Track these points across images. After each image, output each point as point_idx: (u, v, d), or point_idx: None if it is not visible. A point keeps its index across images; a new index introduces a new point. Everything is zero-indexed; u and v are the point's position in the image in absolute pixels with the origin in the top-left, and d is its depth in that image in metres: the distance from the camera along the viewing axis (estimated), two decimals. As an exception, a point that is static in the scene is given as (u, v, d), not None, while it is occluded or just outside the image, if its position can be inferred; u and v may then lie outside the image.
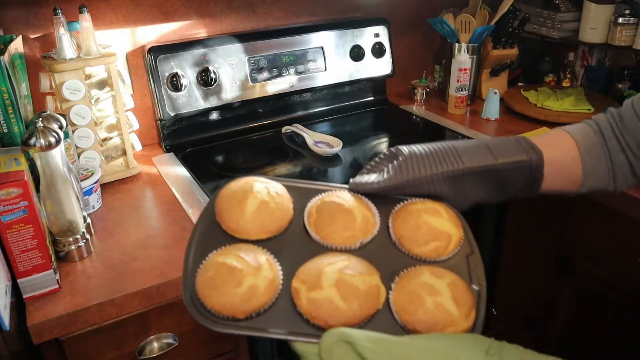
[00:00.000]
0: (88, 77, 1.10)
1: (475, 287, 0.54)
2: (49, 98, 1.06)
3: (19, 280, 0.76)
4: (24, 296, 0.77)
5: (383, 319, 0.50)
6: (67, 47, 1.02)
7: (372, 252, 0.56)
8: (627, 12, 1.39)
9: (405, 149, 0.63)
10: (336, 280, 0.49)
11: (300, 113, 1.49)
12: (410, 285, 0.51)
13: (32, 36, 1.15)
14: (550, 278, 1.37)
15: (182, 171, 1.20)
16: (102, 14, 1.20)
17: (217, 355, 0.97)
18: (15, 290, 0.77)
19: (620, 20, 1.41)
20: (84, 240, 0.88)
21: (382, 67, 1.54)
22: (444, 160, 0.62)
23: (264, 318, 0.50)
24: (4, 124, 0.85)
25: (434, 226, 0.56)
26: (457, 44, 1.52)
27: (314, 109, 1.52)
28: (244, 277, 0.49)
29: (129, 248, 0.91)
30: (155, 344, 0.87)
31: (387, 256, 0.56)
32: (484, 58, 1.58)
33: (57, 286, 0.79)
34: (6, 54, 0.86)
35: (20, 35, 1.08)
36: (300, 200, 0.60)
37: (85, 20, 1.02)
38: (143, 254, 0.89)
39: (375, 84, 1.60)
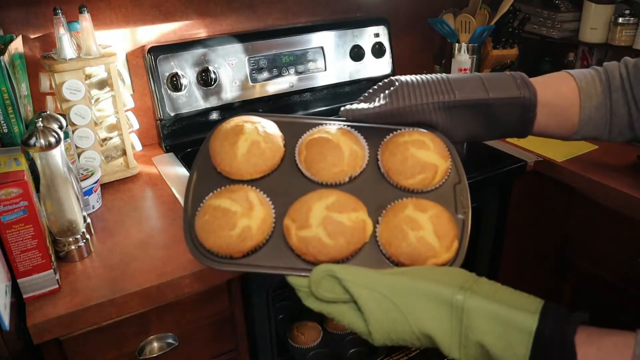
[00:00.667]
0: (88, 77, 1.10)
1: (460, 216, 0.59)
2: (49, 98, 1.06)
3: (19, 280, 0.76)
4: (24, 296, 0.77)
5: (371, 252, 0.54)
6: (67, 47, 1.02)
7: (361, 185, 0.58)
8: (627, 12, 1.39)
9: (400, 78, 0.65)
10: (323, 218, 0.52)
11: (300, 113, 1.49)
12: (395, 219, 0.54)
13: (32, 36, 1.15)
14: (551, 278, 1.37)
15: (182, 171, 1.20)
16: (102, 14, 1.20)
17: (217, 355, 0.97)
18: (15, 290, 0.77)
19: (620, 20, 1.41)
20: (84, 240, 0.88)
21: (382, 67, 1.54)
22: (436, 90, 0.63)
23: (259, 255, 0.54)
24: (4, 124, 0.85)
25: (421, 158, 0.58)
26: (457, 44, 1.52)
27: (314, 109, 1.52)
28: (238, 219, 0.52)
29: (129, 248, 0.91)
30: (155, 344, 0.87)
31: (376, 189, 0.58)
32: (484, 58, 1.58)
33: (57, 286, 0.79)
34: (6, 54, 0.86)
35: (20, 35, 1.08)
36: (292, 135, 0.62)
37: (85, 20, 1.02)
38: (143, 254, 0.89)
39: (375, 84, 1.60)
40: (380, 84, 0.67)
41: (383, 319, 0.49)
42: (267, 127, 0.60)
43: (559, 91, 0.69)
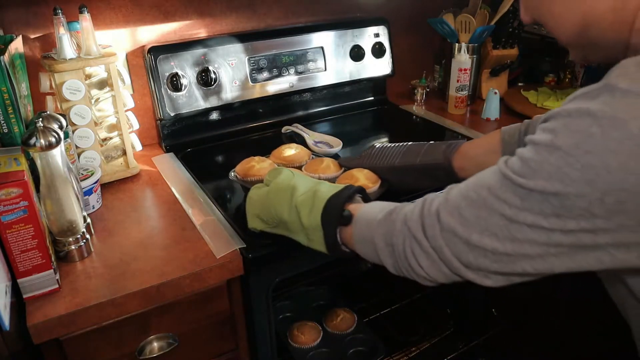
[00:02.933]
0: (88, 77, 1.10)
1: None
2: (49, 98, 1.06)
3: (19, 280, 0.76)
4: (24, 296, 0.77)
5: None
6: (67, 47, 1.02)
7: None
8: (627, 12, 1.39)
9: (375, 145, 1.01)
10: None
11: (300, 113, 1.49)
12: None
13: (32, 36, 1.15)
14: (551, 278, 1.37)
15: (182, 171, 1.20)
16: (102, 14, 1.20)
17: (217, 355, 0.97)
18: (15, 290, 0.77)
19: (620, 20, 1.40)
20: (84, 240, 0.88)
21: (382, 67, 1.54)
22: (387, 158, 0.96)
23: None
24: (4, 124, 0.85)
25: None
26: (457, 44, 1.52)
27: (314, 109, 1.52)
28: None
29: (129, 248, 0.91)
30: (155, 344, 0.87)
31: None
32: (484, 58, 1.58)
33: (57, 286, 0.79)
34: (6, 54, 0.86)
35: (20, 35, 1.07)
36: None
37: (85, 20, 1.03)
38: (143, 254, 0.89)
39: (375, 84, 1.60)
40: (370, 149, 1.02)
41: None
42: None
43: (484, 147, 0.88)
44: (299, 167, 1.07)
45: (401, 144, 0.98)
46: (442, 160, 0.88)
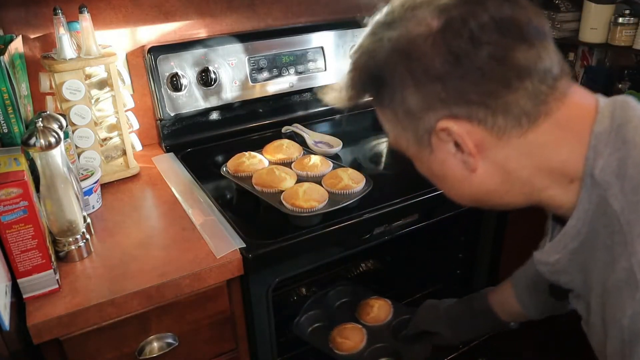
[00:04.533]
0: (88, 77, 1.10)
1: None
2: (49, 98, 1.06)
3: (19, 280, 0.76)
4: (24, 296, 0.77)
5: None
6: (67, 47, 1.02)
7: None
8: (627, 12, 1.39)
9: (424, 303, 1.05)
10: None
11: (300, 113, 1.49)
12: None
13: (32, 36, 1.15)
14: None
15: (182, 171, 1.20)
16: (102, 14, 1.20)
17: (217, 355, 0.97)
18: (15, 290, 0.77)
19: (620, 20, 1.41)
20: (84, 240, 0.88)
21: (382, 67, 1.54)
22: (435, 314, 1.00)
23: None
24: (4, 124, 0.85)
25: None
26: (457, 44, 1.52)
27: (314, 109, 1.52)
28: None
29: (129, 248, 0.91)
30: (155, 344, 0.87)
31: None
32: (484, 58, 1.58)
33: (57, 286, 0.79)
34: (6, 54, 0.86)
35: (20, 35, 1.08)
36: None
37: (85, 20, 1.03)
38: (143, 254, 0.89)
39: (375, 84, 1.60)
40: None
41: None
42: None
43: (505, 297, 0.93)
44: (289, 164, 1.08)
45: (444, 306, 1.01)
46: (486, 305, 0.94)
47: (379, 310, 1.21)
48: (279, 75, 1.39)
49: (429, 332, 1.02)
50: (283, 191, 0.97)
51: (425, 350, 1.06)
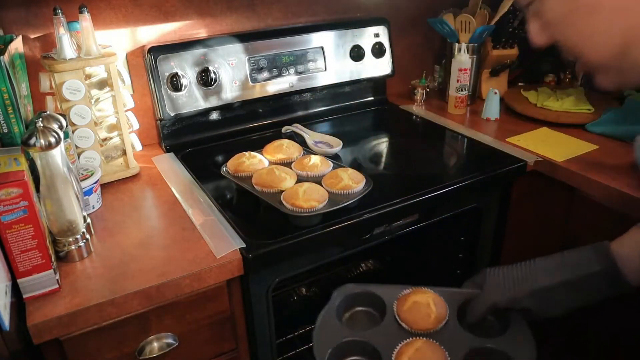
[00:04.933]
0: (88, 77, 1.10)
1: None
2: (49, 98, 1.06)
3: (19, 280, 0.76)
4: (24, 296, 0.77)
5: None
6: (67, 47, 1.02)
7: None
8: (627, 12, 1.39)
9: (488, 272, 0.78)
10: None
11: (300, 113, 1.49)
12: None
13: (32, 36, 1.15)
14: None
15: (182, 171, 1.20)
16: (102, 14, 1.20)
17: (217, 355, 0.97)
18: (15, 290, 0.77)
19: (620, 20, 1.40)
20: (84, 240, 0.88)
21: (382, 67, 1.54)
22: (523, 281, 0.74)
23: None
24: (4, 124, 0.85)
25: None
26: (457, 44, 1.52)
27: (314, 109, 1.52)
28: None
29: (129, 248, 0.91)
30: (155, 344, 0.87)
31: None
32: (484, 58, 1.58)
33: (57, 286, 0.79)
34: (6, 54, 0.86)
35: (20, 35, 1.08)
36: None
37: (85, 20, 1.03)
38: (143, 254, 0.89)
39: (375, 84, 1.60)
40: (479, 275, 0.81)
41: None
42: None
43: (631, 242, 0.73)
44: (289, 164, 1.08)
45: (511, 266, 0.77)
46: (608, 266, 0.70)
47: (436, 306, 0.80)
48: (279, 75, 1.39)
49: (508, 312, 0.76)
50: (283, 191, 0.97)
51: (529, 342, 0.75)
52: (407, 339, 0.75)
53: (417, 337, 0.76)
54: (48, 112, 0.90)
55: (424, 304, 0.79)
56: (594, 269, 0.70)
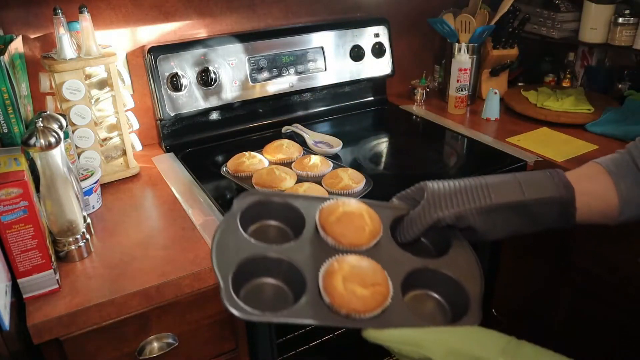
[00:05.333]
0: (88, 77, 1.10)
1: None
2: (49, 98, 1.06)
3: (19, 280, 0.76)
4: (24, 296, 0.77)
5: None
6: (67, 47, 1.02)
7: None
8: (627, 12, 1.39)
9: (429, 185, 0.67)
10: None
11: (300, 113, 1.49)
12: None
13: (32, 36, 1.15)
14: (550, 278, 1.37)
15: (182, 171, 1.20)
16: (102, 14, 1.20)
17: (217, 355, 0.97)
18: (15, 290, 0.77)
19: (620, 20, 1.41)
20: (84, 240, 0.88)
21: (382, 67, 1.54)
22: (472, 196, 0.65)
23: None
24: (4, 124, 0.85)
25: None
26: (457, 44, 1.52)
27: (314, 109, 1.52)
28: None
29: (129, 248, 0.91)
30: (155, 344, 0.87)
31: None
32: (484, 58, 1.58)
33: (57, 286, 0.79)
34: (6, 54, 0.86)
35: (20, 35, 1.08)
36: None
37: (85, 20, 1.02)
38: (143, 254, 0.89)
39: (375, 84, 1.60)
40: (412, 189, 0.70)
41: None
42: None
43: (594, 179, 0.70)
44: (289, 164, 1.08)
45: (461, 180, 0.68)
46: (565, 193, 0.66)
47: (370, 219, 0.68)
48: (279, 75, 1.39)
49: (448, 231, 0.67)
50: (283, 191, 0.97)
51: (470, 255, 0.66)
52: (336, 256, 0.60)
53: (348, 254, 0.60)
54: (48, 112, 0.90)
55: (356, 215, 0.63)
56: (549, 194, 0.66)
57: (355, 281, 0.55)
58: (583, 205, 0.68)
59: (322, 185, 1.00)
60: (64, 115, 0.93)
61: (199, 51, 1.27)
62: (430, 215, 0.65)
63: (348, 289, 0.54)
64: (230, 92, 1.33)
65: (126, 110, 1.15)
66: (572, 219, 0.68)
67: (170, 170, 1.21)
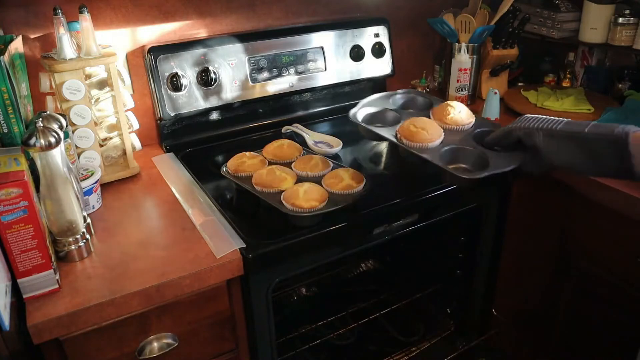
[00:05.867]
0: (88, 77, 1.10)
1: None
2: (49, 98, 1.06)
3: (19, 280, 0.76)
4: (24, 296, 0.77)
5: None
6: (67, 47, 1.02)
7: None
8: (627, 12, 1.39)
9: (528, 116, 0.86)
10: None
11: (300, 113, 1.49)
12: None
13: (32, 36, 1.15)
14: (550, 278, 1.37)
15: (182, 171, 1.20)
16: (102, 14, 1.20)
17: (217, 355, 0.97)
18: (15, 290, 0.77)
19: (620, 20, 1.41)
20: (84, 240, 0.88)
21: (382, 67, 1.54)
22: (545, 122, 0.82)
23: None
24: (4, 124, 0.85)
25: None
26: (457, 44, 1.52)
27: (314, 109, 1.52)
28: None
29: (129, 248, 0.91)
30: (155, 344, 0.87)
31: None
32: (484, 58, 1.58)
33: (57, 286, 0.79)
34: (6, 54, 0.86)
35: (20, 35, 1.07)
36: None
37: (85, 20, 1.02)
38: (143, 254, 0.89)
39: (375, 84, 1.60)
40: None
41: None
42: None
43: None
44: (289, 164, 1.09)
45: (559, 119, 0.83)
46: (617, 135, 0.74)
47: (461, 113, 1.03)
48: (279, 75, 1.39)
49: (521, 145, 0.85)
50: (283, 191, 0.97)
51: (515, 160, 0.86)
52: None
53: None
54: (48, 112, 0.90)
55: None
56: (607, 134, 0.75)
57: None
58: None
59: (322, 185, 1.00)
60: (64, 115, 0.93)
61: (199, 51, 1.27)
62: (505, 127, 0.86)
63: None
64: (230, 92, 1.33)
65: (126, 110, 1.15)
66: (629, 165, 0.73)
67: (170, 170, 1.21)
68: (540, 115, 0.84)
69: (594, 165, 0.78)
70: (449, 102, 1.09)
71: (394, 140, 1.00)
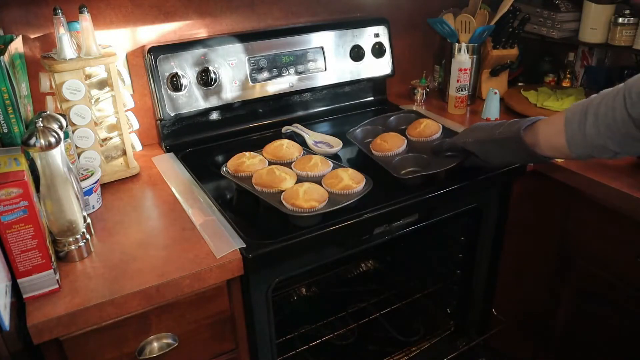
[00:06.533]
0: (88, 77, 1.10)
1: None
2: (49, 98, 1.07)
3: (19, 280, 0.76)
4: (24, 296, 0.77)
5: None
6: (67, 47, 1.02)
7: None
8: (627, 12, 1.39)
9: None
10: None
11: (300, 113, 1.49)
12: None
13: (32, 36, 1.15)
14: (551, 278, 1.37)
15: (182, 171, 1.20)
16: (102, 14, 1.20)
17: (217, 355, 0.97)
18: (15, 290, 0.77)
19: (620, 20, 1.41)
20: (84, 240, 0.88)
21: (382, 67, 1.54)
22: (466, 134, 1.06)
23: None
24: (4, 124, 0.85)
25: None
26: (457, 44, 1.52)
27: (314, 109, 1.52)
28: None
29: (129, 248, 0.91)
30: (155, 344, 0.87)
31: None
32: (484, 58, 1.58)
33: (57, 286, 0.79)
34: (6, 54, 0.86)
35: (20, 35, 1.08)
36: None
37: (85, 20, 1.03)
38: (143, 254, 0.89)
39: (375, 84, 1.60)
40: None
41: None
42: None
43: (549, 124, 0.92)
44: (289, 164, 1.09)
45: (494, 122, 1.05)
46: (514, 133, 0.94)
47: (425, 127, 1.24)
48: (279, 75, 1.39)
49: (465, 151, 1.06)
50: (283, 191, 0.97)
51: (451, 163, 1.07)
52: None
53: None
54: (48, 112, 0.90)
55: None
56: (506, 135, 0.96)
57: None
58: (544, 142, 0.92)
59: (322, 185, 1.00)
60: (64, 115, 0.93)
61: (199, 51, 1.27)
62: (450, 140, 1.10)
63: None
64: (230, 92, 1.33)
65: (126, 110, 1.15)
66: (528, 152, 0.94)
67: (170, 170, 1.21)
68: (483, 123, 1.06)
69: (514, 158, 1.00)
70: (421, 119, 1.28)
71: (364, 150, 1.21)
